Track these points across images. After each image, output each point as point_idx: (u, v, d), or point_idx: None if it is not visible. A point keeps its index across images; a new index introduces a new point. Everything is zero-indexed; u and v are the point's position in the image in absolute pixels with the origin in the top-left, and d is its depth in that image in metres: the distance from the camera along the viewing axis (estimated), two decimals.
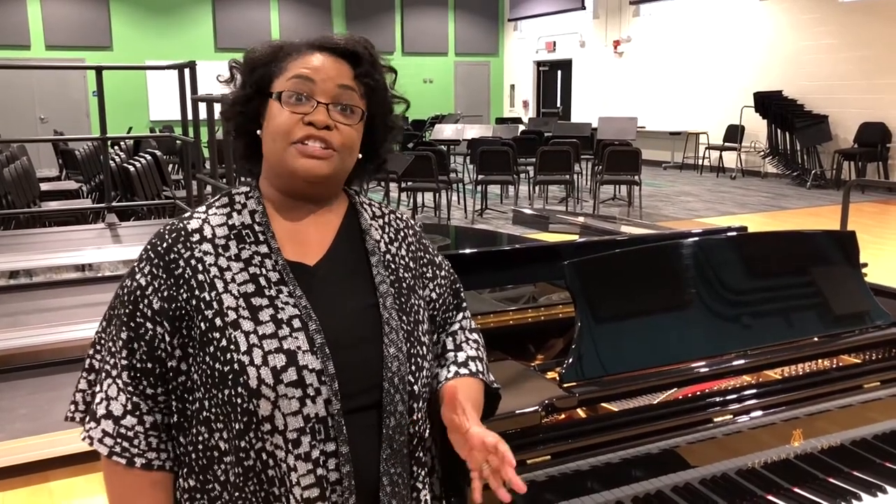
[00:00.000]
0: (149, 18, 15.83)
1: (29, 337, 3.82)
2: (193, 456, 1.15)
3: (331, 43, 1.21)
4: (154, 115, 15.70)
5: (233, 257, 1.17)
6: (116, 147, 9.28)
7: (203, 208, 1.23)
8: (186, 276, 1.15)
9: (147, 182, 7.10)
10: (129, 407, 1.14)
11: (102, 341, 1.20)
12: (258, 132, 1.22)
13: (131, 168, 7.07)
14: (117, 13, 15.56)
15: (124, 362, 1.15)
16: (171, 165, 10.11)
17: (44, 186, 7.90)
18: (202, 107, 5.16)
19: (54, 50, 14.99)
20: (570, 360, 1.50)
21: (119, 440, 1.14)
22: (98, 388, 1.17)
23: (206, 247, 1.17)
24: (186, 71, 5.32)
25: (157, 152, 7.81)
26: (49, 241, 5.13)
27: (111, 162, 6.92)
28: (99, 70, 5.66)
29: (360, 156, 1.25)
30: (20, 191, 6.56)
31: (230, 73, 1.27)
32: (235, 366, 1.10)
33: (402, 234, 1.32)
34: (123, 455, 1.14)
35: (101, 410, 1.15)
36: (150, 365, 1.14)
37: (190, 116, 5.47)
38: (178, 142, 8.12)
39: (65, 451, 3.20)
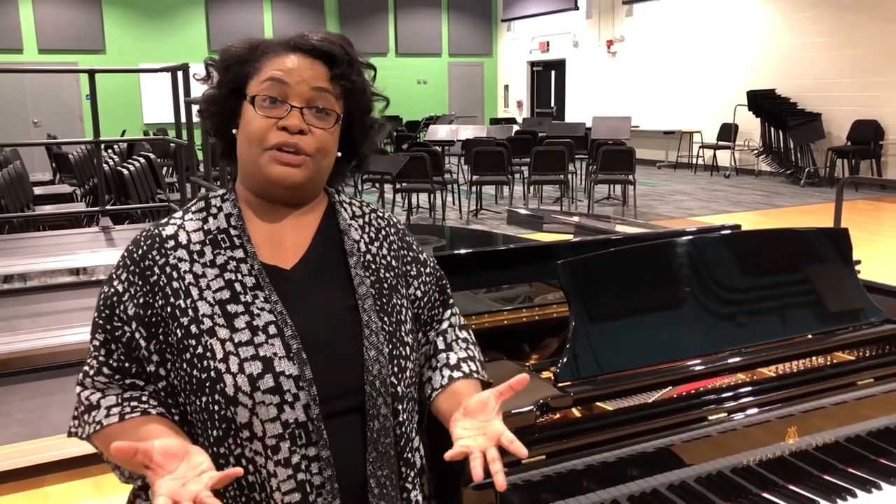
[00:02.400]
0: (142, 21, 15.80)
1: (24, 341, 3.81)
2: None
3: (306, 44, 1.18)
4: (147, 117, 15.68)
5: (208, 263, 1.16)
6: (110, 150, 9.25)
7: (180, 213, 1.22)
8: (161, 283, 1.14)
9: (141, 185, 7.08)
10: (126, 386, 1.16)
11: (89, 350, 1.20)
12: (234, 132, 1.20)
13: (125, 171, 7.04)
14: (110, 16, 15.53)
15: (102, 359, 1.16)
16: (165, 168, 10.08)
17: (37, 190, 7.87)
18: (195, 109, 5.15)
19: (47, 53, 14.95)
20: (565, 360, 1.50)
21: (126, 402, 1.14)
22: (86, 388, 1.18)
23: (181, 253, 1.16)
24: (179, 73, 5.30)
25: (151, 155, 7.78)
26: (43, 245, 5.11)
27: (105, 165, 6.90)
28: (92, 73, 5.64)
29: (339, 154, 1.23)
30: (14, 195, 6.54)
31: (206, 70, 1.25)
32: (212, 373, 1.10)
33: (383, 232, 1.29)
34: (136, 410, 1.13)
35: (95, 397, 1.16)
36: (127, 364, 1.15)
37: (183, 119, 5.45)
38: (171, 144, 8.10)
39: (60, 456, 3.20)
